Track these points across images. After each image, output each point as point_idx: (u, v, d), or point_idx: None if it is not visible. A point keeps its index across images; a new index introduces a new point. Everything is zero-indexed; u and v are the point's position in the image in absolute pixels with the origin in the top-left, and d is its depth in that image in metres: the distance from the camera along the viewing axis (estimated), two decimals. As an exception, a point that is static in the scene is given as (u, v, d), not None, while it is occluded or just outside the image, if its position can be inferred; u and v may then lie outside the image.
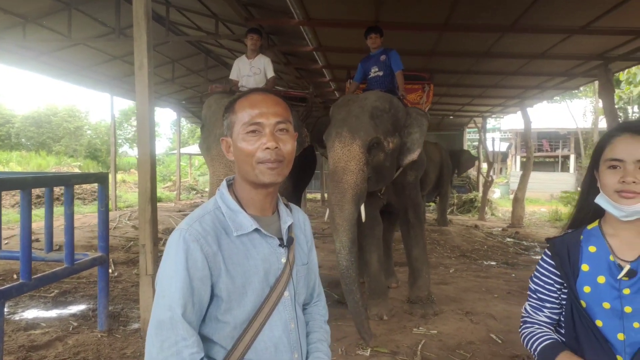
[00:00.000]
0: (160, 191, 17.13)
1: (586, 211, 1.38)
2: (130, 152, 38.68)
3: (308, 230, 1.39)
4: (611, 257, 1.28)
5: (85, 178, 4.29)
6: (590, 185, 1.35)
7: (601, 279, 1.27)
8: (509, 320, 4.44)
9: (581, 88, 13.17)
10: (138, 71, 3.90)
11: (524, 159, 18.15)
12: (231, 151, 1.23)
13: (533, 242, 9.38)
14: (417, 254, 4.65)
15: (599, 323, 1.26)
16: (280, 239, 1.24)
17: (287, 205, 1.33)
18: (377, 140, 3.77)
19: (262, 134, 1.16)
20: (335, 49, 7.81)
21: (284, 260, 1.22)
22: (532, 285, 1.45)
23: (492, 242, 9.14)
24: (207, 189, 19.53)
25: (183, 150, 21.37)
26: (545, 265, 1.41)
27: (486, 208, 13.49)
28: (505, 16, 5.86)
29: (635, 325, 1.22)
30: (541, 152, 25.98)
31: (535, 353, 1.36)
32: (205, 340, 1.13)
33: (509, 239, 9.60)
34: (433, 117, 12.38)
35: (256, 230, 1.18)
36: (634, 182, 1.20)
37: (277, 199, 1.30)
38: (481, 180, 15.21)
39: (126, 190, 17.08)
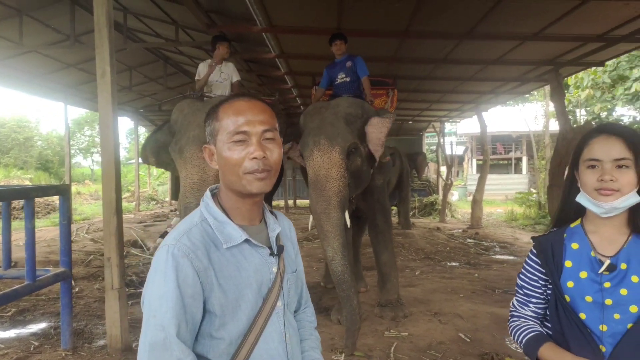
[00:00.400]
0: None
1: (569, 210, 1.44)
2: (83, 163, 37.37)
3: (294, 237, 1.37)
4: (592, 253, 1.34)
5: (46, 191, 4.11)
6: (571, 186, 1.42)
7: (583, 274, 1.33)
8: (476, 319, 4.56)
9: (533, 92, 13.75)
10: (100, 79, 3.81)
11: (480, 162, 18.74)
12: (214, 159, 1.19)
13: (492, 242, 9.68)
14: (386, 259, 4.72)
15: (582, 316, 1.33)
16: (270, 247, 1.20)
17: (272, 213, 1.30)
18: (354, 146, 3.84)
19: (248, 143, 1.12)
20: (297, 56, 7.85)
21: (275, 269, 1.19)
22: (519, 282, 1.51)
23: (454, 243, 9.37)
24: (167, 199, 19.10)
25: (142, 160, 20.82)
26: (530, 263, 1.48)
27: (446, 210, 13.82)
28: (462, 24, 6.06)
29: (616, 316, 1.28)
30: (495, 154, 26.85)
31: (521, 345, 1.42)
32: (200, 359, 1.09)
33: (469, 240, 9.87)
34: (394, 122, 12.64)
35: (246, 240, 1.15)
36: (611, 180, 1.27)
37: (263, 207, 1.26)
38: (441, 183, 15.58)
39: (81, 203, 16.47)
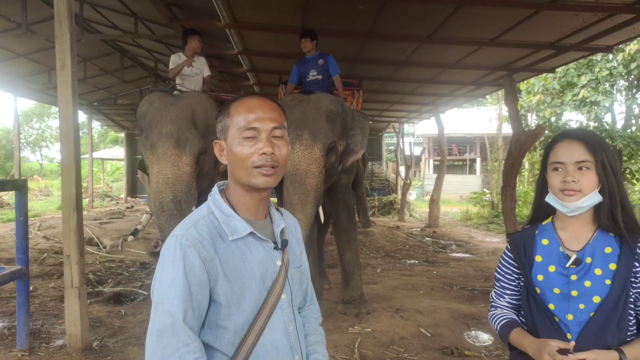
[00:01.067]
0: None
1: (541, 209, 1.55)
2: (31, 157, 35.68)
3: (299, 235, 1.40)
4: (561, 249, 1.45)
5: (2, 185, 3.93)
6: (542, 187, 1.52)
7: (552, 268, 1.44)
8: (435, 315, 4.72)
9: (487, 96, 14.25)
10: (60, 71, 3.68)
11: (437, 163, 19.21)
12: (224, 155, 1.22)
13: (449, 241, 9.99)
14: (350, 257, 4.80)
15: (551, 306, 1.43)
16: (275, 242, 1.24)
17: (277, 210, 1.34)
18: (334, 144, 3.90)
19: (258, 139, 1.16)
20: (261, 53, 7.82)
21: (279, 263, 1.22)
22: (496, 275, 1.63)
23: (413, 241, 9.61)
24: (122, 195, 18.54)
25: (95, 154, 20.10)
26: (505, 258, 1.59)
27: (405, 209, 14.13)
28: (423, 28, 6.22)
29: (581, 306, 1.39)
30: (451, 155, 27.64)
31: (497, 331, 1.56)
32: (206, 347, 1.11)
33: (427, 239, 10.15)
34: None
35: (251, 234, 1.18)
36: (573, 181, 1.37)
37: (269, 204, 1.30)
38: (400, 183, 15.91)
39: (30, 198, 15.74)
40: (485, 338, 4.23)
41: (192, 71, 4.86)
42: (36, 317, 4.40)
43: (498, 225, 12.46)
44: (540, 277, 1.45)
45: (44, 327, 4.20)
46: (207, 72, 5.01)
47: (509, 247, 1.58)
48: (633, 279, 1.37)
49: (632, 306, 1.39)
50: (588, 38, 6.24)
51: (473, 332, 4.37)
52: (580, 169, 1.38)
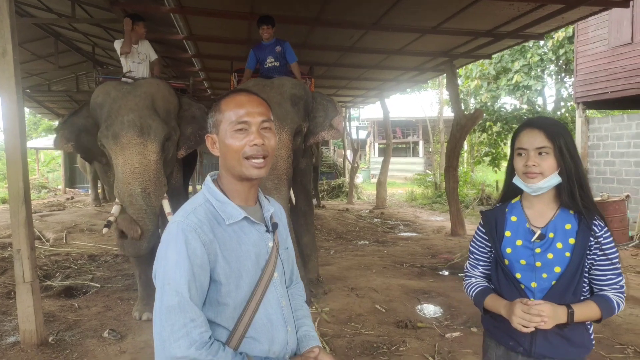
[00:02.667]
0: (4, 191, 15.05)
1: (511, 190, 1.73)
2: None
3: (284, 219, 1.51)
4: (527, 225, 1.64)
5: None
6: (511, 171, 1.70)
7: (519, 242, 1.63)
8: (389, 291, 4.96)
9: (429, 81, 14.73)
10: (1, 58, 3.52)
11: (382, 146, 19.63)
12: (216, 147, 1.31)
13: (397, 221, 10.37)
14: (308, 240, 4.93)
15: (518, 275, 1.63)
16: (266, 225, 1.35)
17: (265, 197, 1.44)
18: (300, 128, 4.00)
19: (248, 132, 1.27)
20: (207, 38, 7.70)
21: (271, 244, 1.34)
22: (471, 248, 1.81)
23: (362, 223, 9.90)
24: (59, 186, 17.68)
25: (28, 144, 18.96)
26: (478, 233, 1.78)
27: (353, 192, 14.44)
28: (369, 15, 6.37)
29: (544, 275, 1.59)
30: (395, 139, 28.34)
31: (472, 297, 1.73)
32: (208, 323, 1.20)
33: (376, 220, 10.48)
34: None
35: (245, 218, 1.28)
36: (534, 165, 1.56)
37: (258, 191, 1.40)
38: (347, 166, 16.20)
39: (-42, 193, 14.70)
40: (435, 310, 4.52)
41: (138, 57, 4.72)
42: (-17, 316, 4.23)
43: (442, 205, 13.04)
44: (508, 250, 1.64)
45: (-7, 325, 4.06)
46: (153, 55, 4.87)
47: (481, 222, 1.77)
48: (588, 252, 1.58)
49: (587, 275, 1.61)
50: (522, 26, 6.64)
51: (424, 305, 4.65)
52: (540, 154, 1.56)
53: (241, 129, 1.27)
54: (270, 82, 4.25)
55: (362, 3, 5.90)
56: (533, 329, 1.48)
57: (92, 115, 3.98)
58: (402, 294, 4.87)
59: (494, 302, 1.64)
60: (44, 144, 22.19)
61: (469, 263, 1.82)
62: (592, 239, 1.57)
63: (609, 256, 1.57)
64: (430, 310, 4.54)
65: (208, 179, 1.35)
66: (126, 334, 3.93)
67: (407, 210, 12.88)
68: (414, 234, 8.89)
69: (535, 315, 1.46)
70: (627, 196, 8.19)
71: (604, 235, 1.58)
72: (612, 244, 1.59)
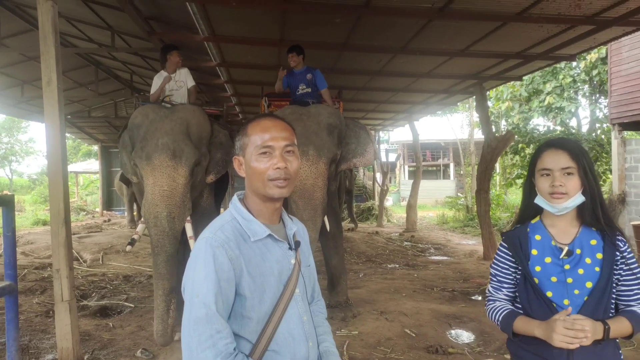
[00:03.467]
0: (45, 213, 15.65)
1: (529, 210, 1.73)
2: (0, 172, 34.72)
3: (307, 238, 1.56)
4: (553, 242, 1.64)
5: (-12, 202, 3.91)
6: (530, 190, 1.71)
7: (548, 260, 1.62)
8: (419, 316, 4.88)
9: (459, 103, 14.66)
10: (46, 87, 3.73)
11: (412, 169, 19.50)
12: (243, 168, 1.38)
13: (427, 245, 10.23)
14: (337, 262, 4.94)
15: (549, 294, 1.60)
16: (289, 243, 1.40)
17: (289, 217, 1.50)
18: (335, 157, 4.09)
19: (272, 155, 1.33)
20: (239, 65, 7.94)
21: (293, 261, 1.39)
22: (492, 271, 1.78)
23: (392, 246, 9.81)
24: (97, 209, 18.25)
25: (68, 168, 19.73)
26: (501, 254, 1.75)
27: (383, 215, 14.36)
28: (397, 40, 6.46)
29: (576, 292, 1.58)
30: (425, 161, 28.17)
31: (498, 322, 1.68)
32: (234, 336, 1.25)
33: (406, 243, 10.37)
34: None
35: (269, 236, 1.34)
36: (560, 186, 1.57)
37: (282, 210, 1.45)
38: (376, 189, 16.16)
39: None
40: (467, 336, 4.42)
41: (176, 85, 4.93)
42: (23, 333, 4.37)
43: (473, 228, 12.79)
44: (538, 268, 1.63)
45: (32, 342, 4.20)
46: (191, 82, 5.05)
47: (504, 244, 1.74)
48: (615, 267, 1.58)
49: (614, 290, 1.60)
50: (552, 48, 6.58)
51: (455, 331, 4.55)
52: (565, 174, 1.58)
53: (265, 152, 1.33)
54: (307, 111, 4.32)
55: (389, 28, 5.99)
56: (578, 346, 1.45)
57: (130, 135, 4.16)
58: (433, 319, 4.78)
59: (525, 324, 1.60)
60: (84, 167, 23.06)
61: (492, 286, 1.79)
62: (617, 254, 1.58)
63: (634, 271, 1.59)
64: (461, 335, 4.44)
65: (235, 198, 1.42)
66: (158, 354, 4.00)
67: (438, 233, 12.69)
68: (445, 258, 8.75)
69: (579, 330, 1.44)
70: (669, 219, 7.87)
71: (627, 250, 1.60)
72: (635, 260, 1.59)
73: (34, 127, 37.65)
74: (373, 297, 5.62)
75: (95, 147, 19.63)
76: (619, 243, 1.60)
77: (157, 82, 4.90)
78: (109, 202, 17.76)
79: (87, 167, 22.97)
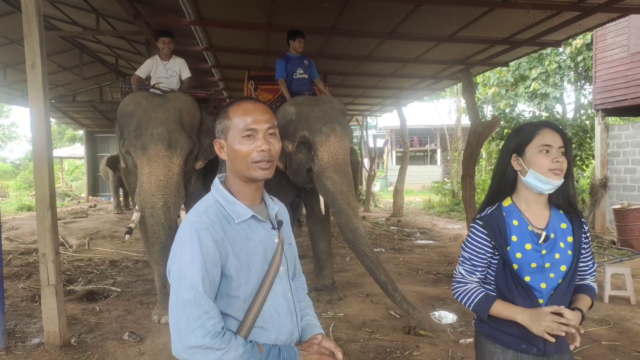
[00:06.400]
0: (29, 199, 15.48)
1: (503, 189, 1.74)
2: (-20, 157, 34.16)
3: (287, 217, 1.58)
4: (530, 228, 1.66)
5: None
6: (506, 168, 1.71)
7: (528, 246, 1.65)
8: (403, 298, 4.97)
9: (446, 89, 14.72)
10: (30, 70, 3.70)
11: (399, 154, 19.59)
12: (224, 151, 1.40)
13: (413, 229, 10.35)
14: (324, 246, 5.01)
15: (527, 278, 1.65)
16: (272, 222, 1.43)
17: (270, 197, 1.53)
18: (350, 139, 4.28)
19: (256, 138, 1.35)
20: (226, 49, 7.86)
21: (277, 240, 1.42)
22: (466, 254, 1.75)
23: (379, 230, 9.91)
24: (82, 194, 18.09)
25: (53, 153, 19.43)
26: (477, 238, 1.71)
27: (370, 200, 14.45)
28: (384, 25, 6.45)
29: (552, 275, 1.64)
30: (412, 147, 28.29)
31: (472, 304, 1.70)
32: (221, 315, 1.28)
33: (393, 227, 10.48)
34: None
35: (252, 216, 1.37)
36: (562, 163, 1.59)
37: (263, 191, 1.48)
38: (364, 174, 16.23)
39: (-16, 200, 15.16)
40: (450, 317, 4.53)
41: (166, 73, 4.85)
42: (9, 318, 4.37)
43: (459, 213, 12.97)
44: (518, 255, 1.64)
45: (18, 326, 4.20)
46: (186, 74, 4.97)
47: (481, 229, 1.70)
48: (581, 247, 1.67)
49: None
50: (538, 34, 6.63)
51: (438, 312, 4.66)
52: (561, 153, 1.62)
53: (249, 135, 1.35)
54: (319, 99, 4.57)
55: (377, 13, 5.98)
56: (563, 334, 1.50)
57: (119, 122, 4.14)
58: (417, 300, 4.88)
59: (506, 309, 1.63)
60: (68, 152, 22.79)
61: (464, 269, 1.75)
62: (583, 235, 1.67)
63: (589, 248, 1.71)
64: (444, 316, 4.55)
65: (216, 181, 1.43)
66: (145, 337, 4.04)
67: (424, 218, 12.84)
68: (431, 242, 8.88)
69: (565, 324, 1.49)
70: (649, 204, 8.06)
71: (587, 230, 1.70)
72: (590, 238, 1.71)
73: (16, 112, 36.99)
74: (359, 280, 5.71)
75: (81, 132, 19.38)
76: (584, 225, 1.68)
77: (149, 64, 4.85)
78: (94, 188, 17.62)
79: (72, 152, 22.68)
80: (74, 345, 3.80)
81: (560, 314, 1.52)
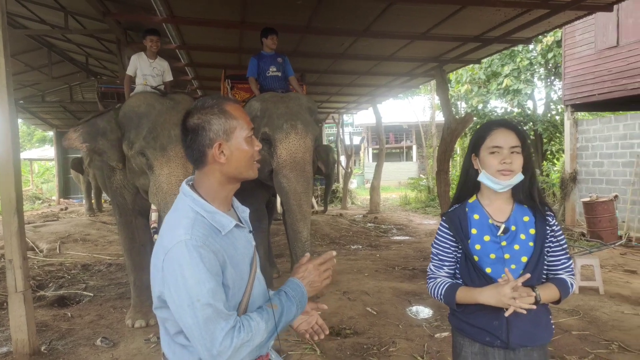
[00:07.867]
0: (-3, 203, 14.99)
1: (467, 188, 1.79)
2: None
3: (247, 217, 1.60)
4: (490, 221, 1.71)
5: None
6: (469, 168, 1.76)
7: (487, 238, 1.70)
8: (380, 294, 5.01)
9: (420, 86, 14.85)
10: (-7, 70, 3.56)
11: (376, 151, 19.68)
12: (223, 154, 1.33)
13: (390, 225, 10.43)
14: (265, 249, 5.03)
15: (488, 270, 1.68)
16: (247, 226, 1.45)
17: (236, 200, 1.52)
18: (316, 137, 4.23)
19: (253, 138, 1.41)
20: (200, 48, 7.77)
21: (253, 242, 1.44)
22: (434, 250, 1.83)
23: (356, 228, 9.96)
24: (54, 197, 17.64)
25: (22, 155, 18.90)
26: (442, 234, 1.80)
27: (347, 197, 14.50)
28: (359, 22, 6.46)
29: (512, 266, 1.67)
30: (388, 144, 28.49)
31: (441, 296, 1.74)
32: None
33: (369, 224, 10.54)
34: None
35: (235, 225, 1.36)
36: (510, 163, 1.64)
37: None
38: (341, 172, 16.27)
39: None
40: (425, 312, 4.58)
41: (152, 71, 4.82)
42: (-25, 326, 4.25)
43: (434, 208, 13.12)
44: (477, 247, 1.70)
45: (-16, 335, 4.08)
46: (169, 77, 5.03)
47: (445, 224, 1.79)
48: (545, 240, 1.69)
49: (545, 261, 1.72)
50: (509, 31, 6.74)
51: (414, 307, 4.71)
52: (513, 152, 1.65)
53: (251, 135, 1.40)
54: (286, 95, 4.50)
55: (351, 11, 5.99)
56: (529, 306, 1.53)
57: (121, 122, 4.05)
58: (394, 297, 4.92)
59: (467, 293, 1.67)
60: (38, 154, 22.17)
61: (433, 265, 1.82)
62: (547, 228, 1.69)
63: (561, 243, 1.72)
64: (420, 311, 4.60)
65: (187, 188, 1.36)
66: (119, 342, 3.96)
67: (401, 214, 12.95)
68: (407, 238, 8.96)
69: (524, 292, 1.53)
70: (616, 196, 8.30)
71: (555, 224, 1.72)
72: (562, 232, 1.72)
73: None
74: (336, 278, 5.71)
75: (51, 133, 18.86)
76: (549, 218, 1.70)
77: (134, 60, 4.79)
78: (65, 190, 17.19)
79: (42, 153, 22.06)
80: (44, 353, 3.71)
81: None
